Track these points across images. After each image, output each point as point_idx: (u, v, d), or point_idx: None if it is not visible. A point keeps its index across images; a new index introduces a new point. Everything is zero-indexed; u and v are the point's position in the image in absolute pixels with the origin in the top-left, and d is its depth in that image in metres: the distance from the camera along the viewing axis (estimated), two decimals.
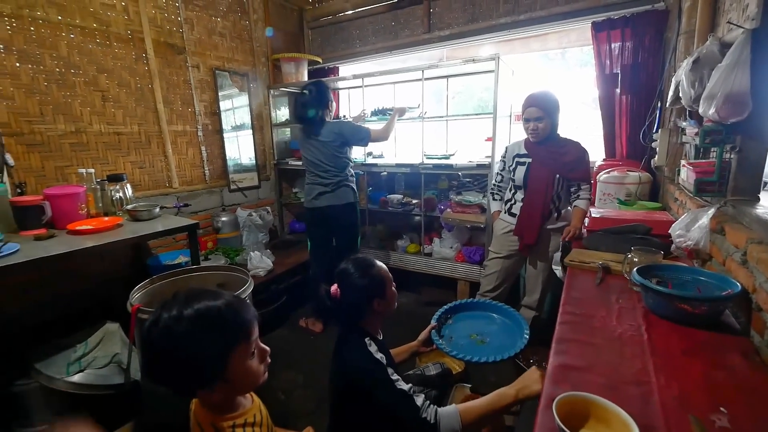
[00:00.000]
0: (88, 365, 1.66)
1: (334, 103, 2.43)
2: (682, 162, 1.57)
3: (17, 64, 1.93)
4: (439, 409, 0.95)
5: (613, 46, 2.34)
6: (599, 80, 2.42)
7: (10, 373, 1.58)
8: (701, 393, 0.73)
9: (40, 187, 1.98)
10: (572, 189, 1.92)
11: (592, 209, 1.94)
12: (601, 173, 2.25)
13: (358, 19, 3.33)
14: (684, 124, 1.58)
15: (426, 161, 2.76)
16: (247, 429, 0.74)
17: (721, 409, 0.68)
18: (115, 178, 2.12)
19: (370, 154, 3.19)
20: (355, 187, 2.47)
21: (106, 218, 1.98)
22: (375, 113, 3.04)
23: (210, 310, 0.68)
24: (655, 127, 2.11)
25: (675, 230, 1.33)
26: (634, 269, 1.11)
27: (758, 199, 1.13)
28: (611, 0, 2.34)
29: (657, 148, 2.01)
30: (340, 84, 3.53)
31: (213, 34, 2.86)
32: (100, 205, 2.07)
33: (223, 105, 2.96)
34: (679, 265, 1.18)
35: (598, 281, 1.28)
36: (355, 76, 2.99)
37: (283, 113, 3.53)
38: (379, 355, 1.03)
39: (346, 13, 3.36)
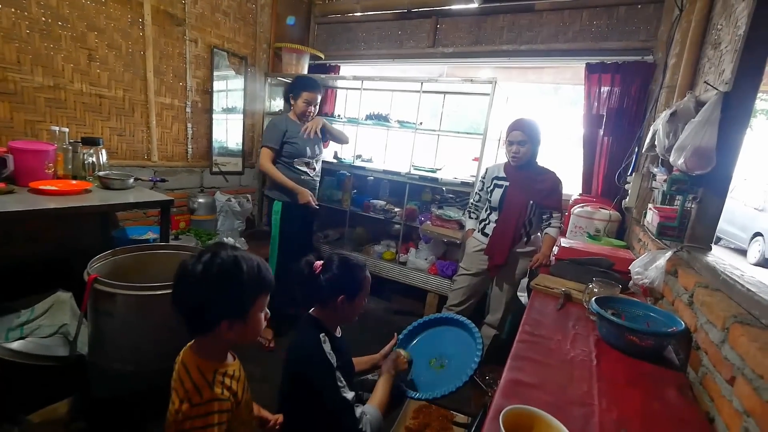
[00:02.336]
0: (30, 333, 1.57)
1: (298, 102, 2.17)
2: (650, 206, 1.67)
3: None
4: (368, 416, 1.02)
5: (602, 89, 2.47)
6: (586, 119, 2.54)
7: None
8: (637, 419, 0.77)
9: (6, 139, 1.88)
10: (544, 216, 1.99)
11: (562, 239, 2.01)
12: (575, 207, 2.34)
13: (366, 22, 3.37)
14: (655, 170, 1.68)
15: (413, 172, 2.80)
16: (226, 379, 0.84)
17: None
18: (91, 142, 2.03)
19: (359, 156, 3.20)
20: (272, 186, 2.26)
21: (74, 182, 1.89)
22: (369, 117, 3.06)
23: (254, 260, 0.86)
24: (630, 171, 2.23)
25: (634, 267, 1.40)
26: (593, 299, 1.17)
27: (710, 248, 1.21)
28: (607, 46, 2.48)
29: (629, 190, 2.12)
30: (339, 83, 3.54)
31: (216, 11, 2.82)
32: (70, 167, 1.97)
33: (217, 85, 2.91)
34: (634, 300, 1.25)
35: (559, 306, 1.33)
36: (355, 77, 3.01)
37: (278, 103, 3.50)
38: (331, 356, 1.03)
39: (355, 14, 3.40)
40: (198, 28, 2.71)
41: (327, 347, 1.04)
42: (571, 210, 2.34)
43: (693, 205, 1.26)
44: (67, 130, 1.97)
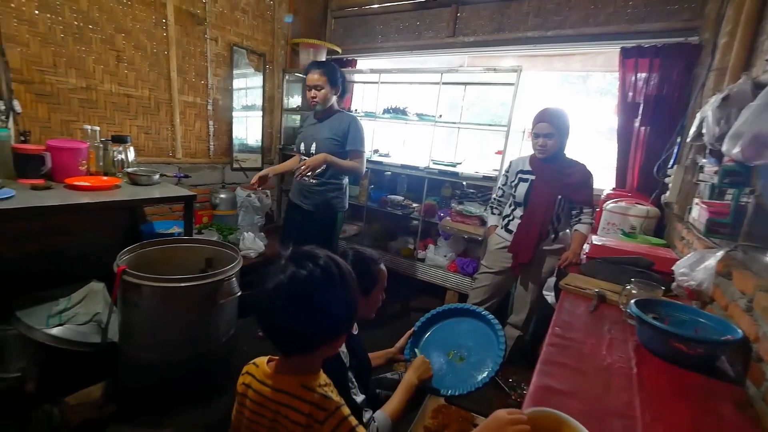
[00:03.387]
0: (68, 320, 1.65)
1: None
2: (696, 200, 1.53)
3: (36, 12, 1.90)
4: (376, 423, 0.97)
5: (639, 75, 2.29)
6: (620, 108, 2.38)
7: None
8: None
9: (44, 138, 1.95)
10: (573, 212, 1.87)
11: (593, 237, 1.89)
12: (608, 202, 2.20)
13: (383, 14, 3.30)
14: (703, 161, 1.53)
15: (432, 166, 2.72)
16: (327, 388, 0.75)
17: None
18: (119, 140, 2.10)
19: (376, 151, 3.16)
20: None
21: (105, 177, 1.96)
22: (387, 111, 3.00)
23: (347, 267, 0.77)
24: (671, 163, 2.07)
25: (679, 268, 1.28)
26: (632, 301, 1.07)
27: None
28: (644, 28, 2.30)
29: (670, 184, 1.96)
30: (356, 77, 3.50)
31: (236, 10, 2.83)
32: (101, 164, 2.05)
33: (237, 83, 2.94)
34: (679, 303, 1.14)
35: (592, 308, 1.24)
36: (372, 71, 2.97)
37: (296, 100, 3.50)
38: (344, 354, 1.00)
39: (372, 6, 3.33)
40: (218, 26, 2.73)
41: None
42: (604, 206, 2.20)
43: (750, 200, 1.13)
44: (98, 128, 2.05)
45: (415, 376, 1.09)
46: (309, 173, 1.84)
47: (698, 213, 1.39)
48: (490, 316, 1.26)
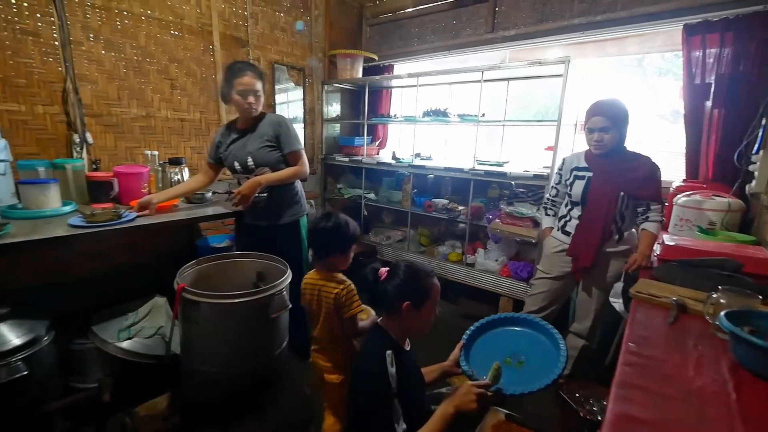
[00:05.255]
0: (136, 334, 1.78)
1: (234, 97, 1.76)
2: None
3: (102, 52, 2.12)
4: None
5: (707, 52, 2.05)
6: (687, 91, 2.13)
7: (72, 332, 1.73)
8: None
9: (112, 165, 2.15)
10: (639, 209, 1.70)
11: (665, 235, 1.70)
12: (679, 196, 1.98)
13: (418, 17, 3.26)
14: None
15: (477, 167, 2.63)
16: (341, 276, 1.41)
17: None
18: (175, 162, 2.25)
19: (417, 155, 3.12)
20: None
21: None
22: (427, 114, 2.95)
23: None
24: (755, 148, 1.81)
25: None
26: (722, 313, 0.93)
27: None
28: (710, 0, 2.05)
29: (756, 172, 1.72)
30: (394, 82, 3.49)
31: (275, 29, 2.95)
32: (161, 185, 2.20)
33: (279, 98, 3.05)
34: None
35: (671, 320, 1.10)
36: (410, 75, 2.94)
37: (334, 109, 3.57)
38: (392, 378, 0.98)
39: (407, 10, 3.31)
40: (259, 47, 2.86)
41: (391, 368, 0.99)
42: (674, 200, 1.98)
43: None
44: (157, 153, 2.22)
45: (452, 405, 0.97)
46: (244, 203, 1.76)
47: None
48: (543, 322, 1.20)
